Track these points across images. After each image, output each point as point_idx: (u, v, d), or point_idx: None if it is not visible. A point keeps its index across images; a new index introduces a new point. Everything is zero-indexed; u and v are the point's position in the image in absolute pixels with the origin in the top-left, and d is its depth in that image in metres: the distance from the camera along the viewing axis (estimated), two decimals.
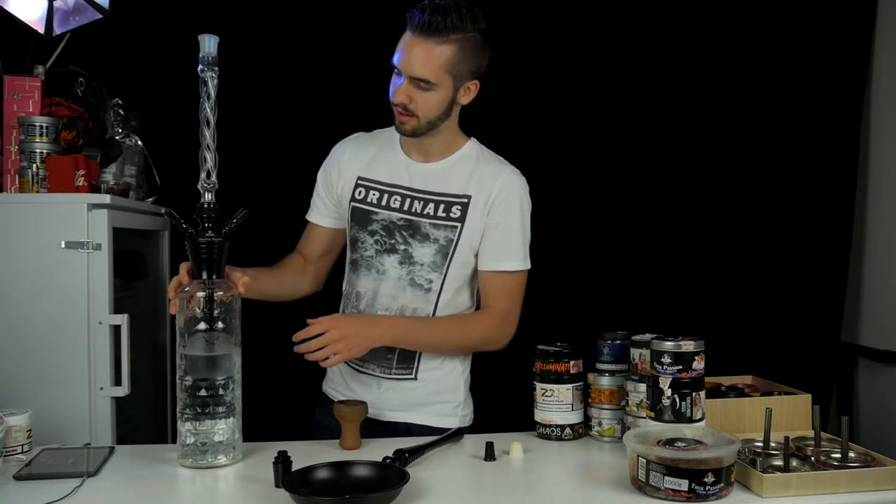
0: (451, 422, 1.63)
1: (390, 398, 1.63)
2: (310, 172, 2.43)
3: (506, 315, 1.60)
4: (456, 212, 1.56)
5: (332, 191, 1.68)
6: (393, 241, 1.59)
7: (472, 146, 1.64)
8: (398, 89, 1.50)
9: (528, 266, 1.61)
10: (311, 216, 1.73)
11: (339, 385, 1.70)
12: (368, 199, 1.62)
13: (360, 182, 1.64)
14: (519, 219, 1.59)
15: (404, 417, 1.64)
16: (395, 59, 1.50)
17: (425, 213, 1.58)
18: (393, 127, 1.59)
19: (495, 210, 1.56)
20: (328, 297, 1.77)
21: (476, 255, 1.60)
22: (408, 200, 1.59)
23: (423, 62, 1.45)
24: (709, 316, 2.44)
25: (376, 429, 1.58)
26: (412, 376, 1.63)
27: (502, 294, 1.59)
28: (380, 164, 1.64)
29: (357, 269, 1.64)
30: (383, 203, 1.61)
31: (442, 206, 1.57)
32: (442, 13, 1.42)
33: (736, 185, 2.56)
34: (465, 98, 1.56)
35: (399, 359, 1.62)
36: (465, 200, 1.56)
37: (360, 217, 1.63)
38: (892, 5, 2.48)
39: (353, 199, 1.64)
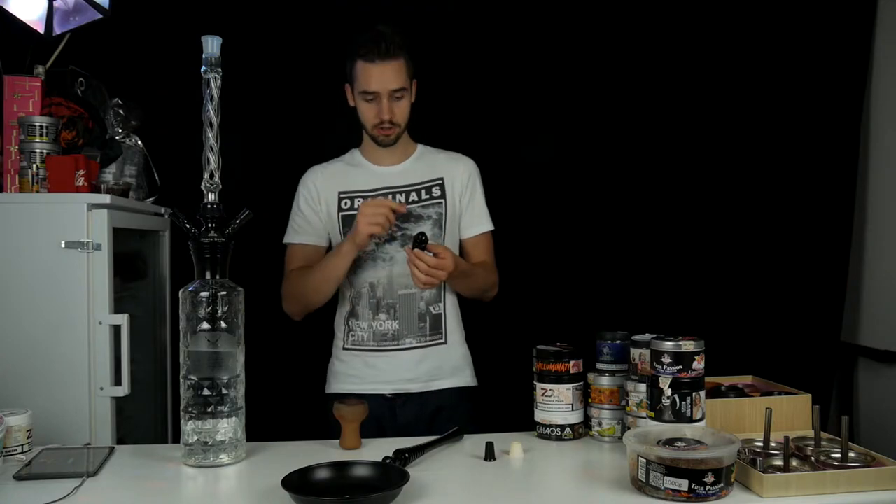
0: (473, 381, 1.89)
1: (427, 368, 1.81)
2: None
3: (494, 266, 1.92)
4: (436, 191, 1.85)
5: (318, 211, 1.86)
6: (390, 231, 1.75)
7: (423, 146, 1.94)
8: (382, 108, 1.76)
9: (493, 226, 1.94)
10: (302, 238, 1.86)
11: (360, 376, 1.82)
12: (355, 206, 1.81)
13: (342, 195, 1.84)
14: (480, 191, 1.93)
15: (441, 384, 1.82)
16: (367, 87, 1.74)
17: (411, 200, 1.83)
18: (344, 155, 1.91)
19: (466, 189, 1.89)
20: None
21: (458, 225, 1.88)
22: (390, 196, 1.82)
23: (395, 77, 1.75)
24: (709, 316, 2.44)
25: (410, 403, 1.79)
26: (443, 340, 1.83)
27: (486, 250, 1.92)
28: (353, 178, 1.86)
29: (361, 266, 1.80)
30: None
31: (423, 191, 1.85)
32: (387, 40, 1.73)
33: (736, 184, 2.56)
34: (413, 97, 1.84)
35: (431, 326, 1.82)
36: (440, 181, 1.86)
37: (351, 223, 1.75)
38: (892, 5, 2.48)
39: (340, 210, 1.84)
